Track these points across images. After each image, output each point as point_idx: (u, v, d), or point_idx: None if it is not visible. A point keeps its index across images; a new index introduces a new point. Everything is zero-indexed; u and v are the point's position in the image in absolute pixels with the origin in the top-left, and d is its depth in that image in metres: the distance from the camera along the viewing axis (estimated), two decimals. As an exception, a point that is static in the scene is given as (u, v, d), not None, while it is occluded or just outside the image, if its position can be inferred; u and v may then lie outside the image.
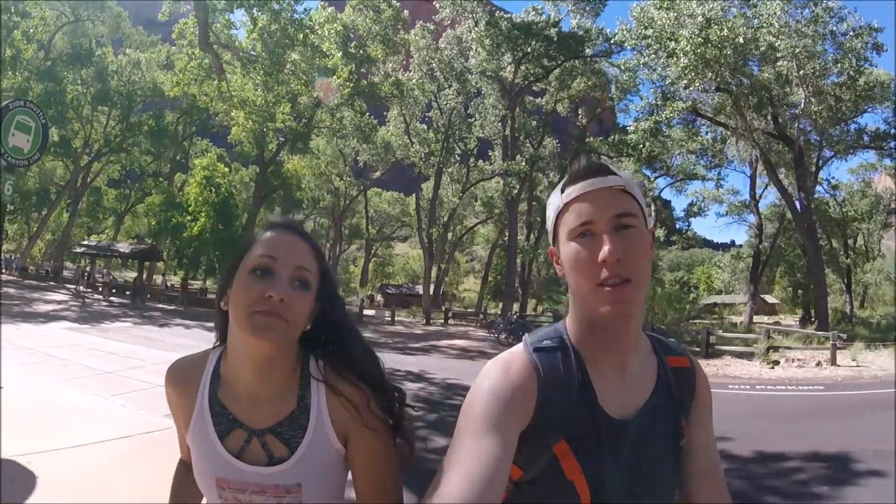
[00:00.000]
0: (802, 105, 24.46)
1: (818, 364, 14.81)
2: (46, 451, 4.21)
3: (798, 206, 25.67)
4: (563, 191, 1.05)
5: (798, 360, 15.37)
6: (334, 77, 16.49)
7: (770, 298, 57.93)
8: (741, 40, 19.90)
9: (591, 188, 1.01)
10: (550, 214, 1.08)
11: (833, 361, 14.88)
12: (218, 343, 1.21)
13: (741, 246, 48.95)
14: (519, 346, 1.08)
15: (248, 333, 1.04)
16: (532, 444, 0.98)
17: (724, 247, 77.06)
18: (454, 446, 0.91)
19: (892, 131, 30.92)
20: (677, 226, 49.61)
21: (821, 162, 34.66)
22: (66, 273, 37.23)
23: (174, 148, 43.26)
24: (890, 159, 34.93)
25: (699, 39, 19.92)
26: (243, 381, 1.13)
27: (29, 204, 47.00)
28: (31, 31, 21.69)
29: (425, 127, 38.55)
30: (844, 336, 17.39)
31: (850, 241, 46.62)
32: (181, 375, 1.18)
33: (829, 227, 41.55)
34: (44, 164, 42.88)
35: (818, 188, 39.92)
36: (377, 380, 1.18)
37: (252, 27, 14.70)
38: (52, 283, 33.40)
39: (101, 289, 27.43)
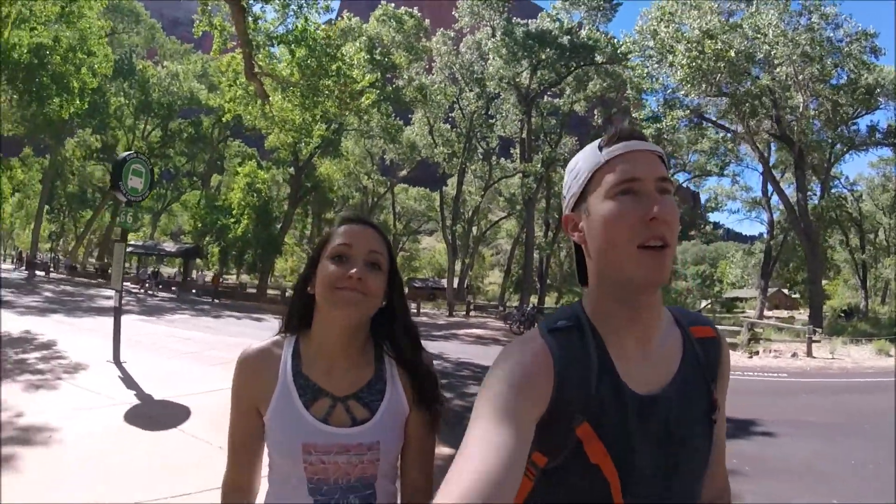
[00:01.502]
0: (801, 108, 25.83)
1: (794, 355, 16.51)
2: (195, 394, 6.45)
3: (796, 207, 26.96)
4: (601, 149, 1.01)
5: (776, 350, 17.14)
6: (363, 98, 18.59)
7: (792, 293, 58.59)
8: (733, 54, 21.49)
9: (635, 148, 0.98)
10: (582, 172, 1.03)
11: (809, 353, 16.45)
12: (284, 332, 1.35)
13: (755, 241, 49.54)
14: (534, 330, 1.05)
15: (333, 306, 1.22)
16: (554, 429, 0.95)
17: (753, 239, 77.34)
18: (469, 433, 0.89)
19: None
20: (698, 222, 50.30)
21: (833, 159, 35.34)
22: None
23: (210, 150, 45.95)
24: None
25: (695, 52, 21.63)
26: (328, 353, 1.28)
27: (74, 205, 50.13)
28: (96, 65, 24.27)
29: (449, 127, 40.27)
30: (819, 330, 19.04)
31: (871, 236, 46.92)
32: (257, 360, 1.28)
33: (846, 223, 42.05)
34: (85, 167, 46.14)
35: (836, 183, 41.11)
36: (415, 362, 1.35)
37: (291, 59, 16.88)
38: (101, 279, 36.20)
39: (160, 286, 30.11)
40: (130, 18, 42.37)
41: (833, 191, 40.04)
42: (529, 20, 35.51)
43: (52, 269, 37.70)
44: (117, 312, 8.37)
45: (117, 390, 6.53)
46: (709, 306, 57.25)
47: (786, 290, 59.64)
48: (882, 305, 46.33)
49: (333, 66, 16.36)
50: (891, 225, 46.86)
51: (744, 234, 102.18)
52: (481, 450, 0.83)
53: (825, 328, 24.92)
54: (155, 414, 5.72)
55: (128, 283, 34.29)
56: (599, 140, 1.03)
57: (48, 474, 3.95)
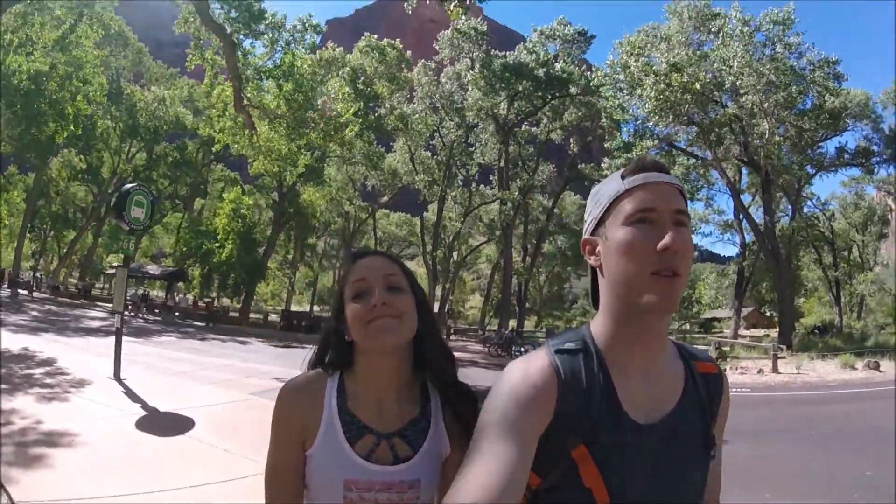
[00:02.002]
0: (767, 135, 27.05)
1: (759, 371, 17.39)
2: (195, 407, 7.06)
3: (763, 229, 28.13)
4: (623, 178, 1.05)
5: (742, 367, 18.00)
6: (347, 130, 19.40)
7: (770, 312, 59.71)
8: (698, 86, 22.70)
9: (655, 179, 1.02)
10: (603, 200, 1.07)
11: (774, 369, 17.34)
12: (319, 367, 1.36)
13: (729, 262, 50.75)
14: (541, 349, 1.07)
15: (371, 339, 1.23)
16: (550, 449, 0.97)
17: (730, 259, 78.78)
18: (473, 448, 0.92)
19: (874, 148, 33.67)
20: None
21: (803, 180, 36.59)
22: (94, 292, 40.54)
23: (194, 174, 46.50)
24: (878, 173, 37.14)
25: (662, 85, 22.81)
26: (374, 390, 1.29)
27: (58, 225, 50.18)
28: (91, 93, 25.00)
29: (429, 154, 41.33)
30: (784, 347, 20.01)
31: (845, 254, 47.90)
32: (302, 393, 1.29)
33: (819, 241, 43.29)
34: (68, 188, 46.50)
35: (808, 203, 42.55)
36: (453, 379, 1.36)
37: (278, 92, 17.68)
38: (84, 300, 36.38)
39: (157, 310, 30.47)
40: (119, 42, 43.05)
41: (805, 211, 41.67)
42: (507, 52, 36.79)
43: (35, 289, 37.78)
44: (118, 333, 9.00)
45: (124, 403, 7.18)
46: (685, 326, 58.50)
47: (764, 310, 60.82)
48: (858, 320, 47.36)
49: (319, 101, 17.22)
50: (864, 242, 48.29)
51: (720, 254, 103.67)
52: (486, 464, 0.86)
53: (795, 345, 25.98)
54: (163, 423, 6.36)
55: (110, 305, 34.58)
56: (623, 169, 1.08)
57: (77, 470, 4.58)
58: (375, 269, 1.28)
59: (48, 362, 9.74)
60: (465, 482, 0.85)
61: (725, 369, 17.58)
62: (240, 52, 17.17)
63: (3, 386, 7.39)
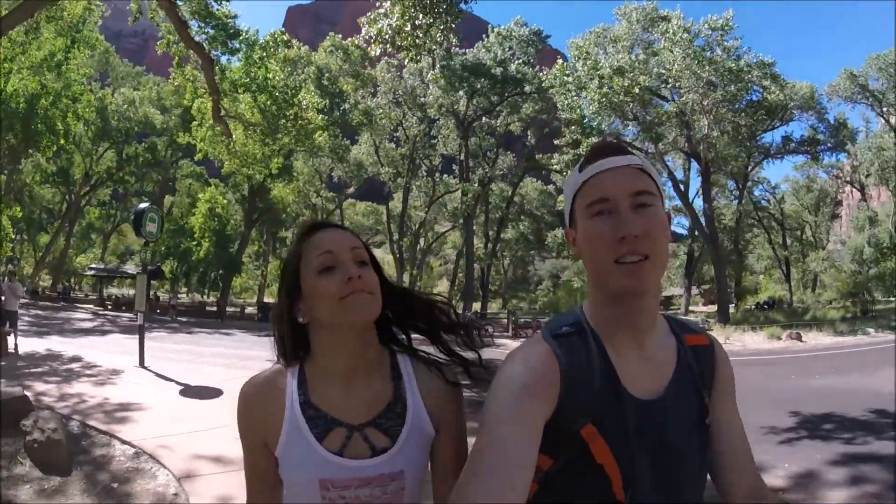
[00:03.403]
0: (706, 130, 29.52)
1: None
2: (215, 383, 8.96)
3: (702, 216, 30.74)
4: (580, 169, 1.06)
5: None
6: (316, 135, 21.11)
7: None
8: (637, 90, 24.97)
9: (609, 166, 1.03)
10: (568, 194, 1.10)
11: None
12: (281, 359, 1.26)
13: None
14: (538, 335, 1.09)
15: (346, 316, 1.14)
16: (559, 431, 0.98)
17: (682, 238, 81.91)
18: (479, 438, 0.93)
19: (819, 137, 36.44)
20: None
21: (748, 169, 39.44)
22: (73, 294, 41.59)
23: (162, 172, 47.43)
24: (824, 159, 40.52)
25: (605, 89, 25.06)
26: (338, 377, 1.19)
27: (32, 230, 50.56)
28: (80, 110, 26.22)
29: (394, 146, 43.19)
30: (711, 321, 22.49)
31: (798, 233, 51.00)
32: (262, 391, 1.20)
33: (769, 222, 46.30)
34: (39, 190, 46.95)
35: (760, 187, 45.60)
36: (445, 323, 1.30)
37: (253, 103, 19.38)
38: (64, 303, 37.43)
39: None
40: (86, 44, 43.36)
41: (757, 194, 44.94)
42: (467, 49, 38.61)
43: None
44: (141, 329, 10.86)
45: (160, 382, 9.13)
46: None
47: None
48: (812, 294, 49.80)
49: (291, 112, 18.94)
50: (816, 222, 50.84)
51: (678, 232, 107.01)
52: (494, 451, 0.89)
53: (734, 319, 28.64)
54: (199, 393, 8.32)
55: (90, 305, 35.88)
56: (581, 160, 1.08)
57: (156, 420, 6.52)
58: (342, 241, 1.20)
59: (76, 359, 11.46)
60: (474, 473, 0.87)
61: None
62: (217, 68, 18.77)
63: (56, 378, 9.21)
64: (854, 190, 48.80)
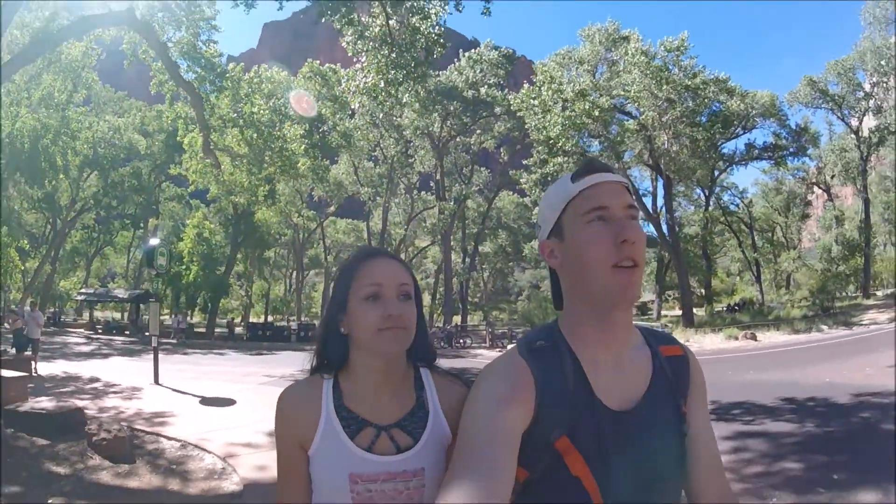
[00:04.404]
0: (666, 145, 31.36)
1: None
2: (227, 394, 10.39)
3: (665, 226, 32.65)
4: (573, 181, 1.10)
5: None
6: (299, 164, 22.63)
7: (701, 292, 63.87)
8: (597, 112, 26.84)
9: (604, 179, 1.08)
10: (556, 203, 1.12)
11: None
12: (315, 366, 1.38)
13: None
14: (513, 349, 1.12)
15: (380, 347, 1.26)
16: (534, 444, 1.01)
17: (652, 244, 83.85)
18: (458, 452, 0.97)
19: (782, 143, 38.28)
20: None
21: (717, 174, 40.60)
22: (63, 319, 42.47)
23: (147, 196, 48.34)
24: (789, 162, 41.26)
25: (568, 112, 26.91)
26: (371, 385, 1.31)
27: (21, 256, 50.80)
28: (78, 146, 27.57)
29: (372, 164, 44.86)
30: (668, 326, 24.17)
31: (769, 235, 51.93)
32: (300, 398, 1.33)
33: (737, 225, 47.64)
34: (22, 216, 47.50)
35: (729, 192, 47.00)
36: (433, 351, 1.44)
37: (241, 136, 20.80)
38: (55, 327, 38.29)
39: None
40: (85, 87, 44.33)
41: (725, 199, 46.34)
42: (441, 72, 40.31)
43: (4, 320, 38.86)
44: (156, 351, 12.30)
45: (178, 396, 10.58)
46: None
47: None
48: (781, 294, 50.17)
49: (276, 146, 20.43)
50: (787, 223, 52.13)
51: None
52: (473, 465, 0.92)
53: (698, 321, 30.24)
54: (216, 402, 9.80)
55: (80, 329, 36.90)
56: (571, 173, 1.13)
57: (189, 422, 8.01)
58: (392, 274, 1.30)
59: (95, 379, 12.86)
60: (453, 486, 0.89)
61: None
62: (206, 104, 20.18)
63: (87, 395, 10.62)
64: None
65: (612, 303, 1.05)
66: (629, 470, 1.02)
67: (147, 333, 31.87)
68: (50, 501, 5.09)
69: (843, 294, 44.00)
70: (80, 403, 9.42)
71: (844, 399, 9.05)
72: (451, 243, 43.50)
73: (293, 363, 16.42)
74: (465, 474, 0.90)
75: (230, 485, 5.56)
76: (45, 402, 8.26)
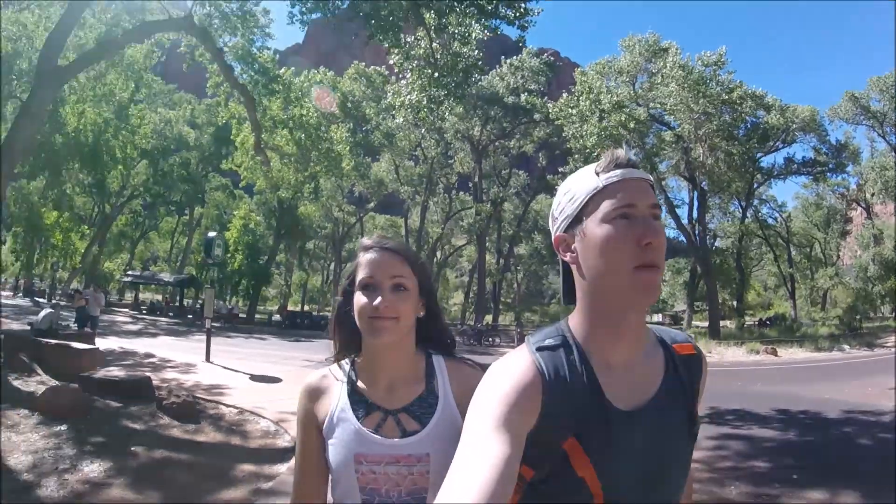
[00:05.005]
0: (701, 157, 31.82)
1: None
2: (271, 373, 11.59)
3: (696, 237, 33.09)
4: (598, 174, 1.05)
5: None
6: (344, 164, 23.88)
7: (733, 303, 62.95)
8: (632, 125, 27.53)
9: (631, 176, 1.03)
10: (578, 197, 1.06)
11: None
12: (336, 352, 1.45)
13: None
14: (522, 347, 1.09)
15: (369, 335, 1.32)
16: (541, 443, 0.98)
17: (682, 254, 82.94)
18: (462, 448, 0.92)
19: (821, 158, 38.60)
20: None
21: (755, 186, 40.64)
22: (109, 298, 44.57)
23: (193, 185, 50.37)
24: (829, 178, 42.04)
25: (604, 124, 27.67)
26: (382, 369, 1.37)
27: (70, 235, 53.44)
28: (137, 140, 29.44)
29: (413, 164, 46.02)
30: (695, 335, 24.62)
31: (807, 251, 51.85)
32: (320, 384, 1.40)
33: (774, 240, 47.32)
34: (73, 199, 49.73)
35: (767, 205, 46.83)
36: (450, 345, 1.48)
37: (290, 136, 22.03)
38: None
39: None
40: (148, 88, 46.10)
41: (765, 212, 46.20)
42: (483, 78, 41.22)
43: (51, 297, 40.60)
44: (209, 333, 13.62)
45: (229, 372, 11.77)
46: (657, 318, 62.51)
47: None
48: (814, 311, 49.33)
49: (322, 147, 21.66)
50: (826, 239, 51.44)
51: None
52: (476, 461, 0.88)
53: (727, 334, 30.52)
54: (264, 379, 10.97)
55: (125, 309, 38.93)
56: (595, 165, 1.07)
57: (244, 393, 9.14)
58: (385, 267, 1.33)
59: (150, 355, 14.15)
60: (456, 483, 0.86)
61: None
62: (259, 106, 21.46)
63: (147, 368, 11.89)
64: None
65: (630, 304, 1.03)
66: (635, 471, 1.02)
67: (190, 316, 34.39)
68: (133, 448, 6.27)
69: (877, 315, 43.58)
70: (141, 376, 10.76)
71: (834, 414, 9.46)
72: (487, 244, 44.54)
73: (329, 350, 17.28)
74: (465, 474, 0.87)
75: (283, 442, 6.68)
76: (115, 371, 9.55)
